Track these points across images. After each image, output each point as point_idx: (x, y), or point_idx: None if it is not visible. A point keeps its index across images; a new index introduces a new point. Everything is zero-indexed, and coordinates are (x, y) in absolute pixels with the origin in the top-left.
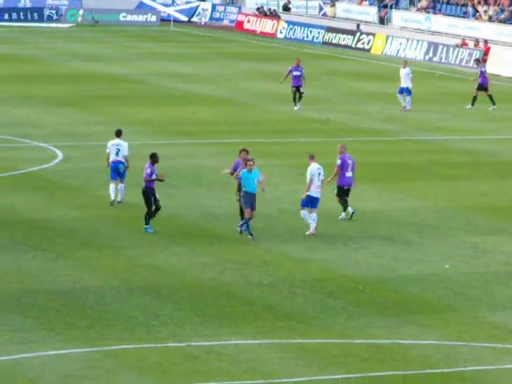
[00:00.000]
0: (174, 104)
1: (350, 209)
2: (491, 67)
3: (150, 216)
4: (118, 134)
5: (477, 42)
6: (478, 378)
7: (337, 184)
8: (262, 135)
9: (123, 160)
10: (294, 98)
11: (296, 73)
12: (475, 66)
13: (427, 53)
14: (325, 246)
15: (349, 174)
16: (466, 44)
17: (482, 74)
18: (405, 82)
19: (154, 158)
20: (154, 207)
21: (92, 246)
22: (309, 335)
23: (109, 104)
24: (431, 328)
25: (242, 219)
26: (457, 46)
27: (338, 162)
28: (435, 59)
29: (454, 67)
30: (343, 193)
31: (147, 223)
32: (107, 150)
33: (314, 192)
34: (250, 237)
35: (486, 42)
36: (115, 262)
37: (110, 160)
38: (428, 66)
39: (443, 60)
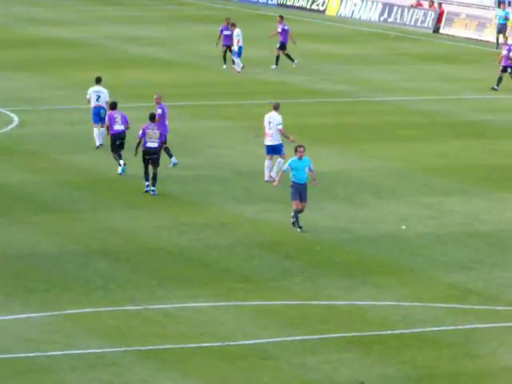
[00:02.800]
0: (129, 67)
1: (173, 159)
2: (446, 28)
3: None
4: (98, 80)
5: (431, 2)
6: (436, 339)
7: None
8: (218, 97)
9: (104, 105)
10: (224, 57)
11: (226, 32)
12: (278, 22)
13: (382, 14)
14: (281, 208)
15: (167, 121)
16: (420, 5)
17: (284, 32)
18: (236, 44)
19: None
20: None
21: (49, 210)
22: (266, 297)
23: (65, 68)
24: (388, 289)
25: (145, 180)
26: (411, 6)
27: (159, 111)
28: (390, 20)
29: (409, 28)
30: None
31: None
32: (87, 97)
33: (265, 140)
34: (298, 230)
35: (440, 3)
36: (73, 226)
37: (92, 106)
38: (383, 27)
39: (398, 21)
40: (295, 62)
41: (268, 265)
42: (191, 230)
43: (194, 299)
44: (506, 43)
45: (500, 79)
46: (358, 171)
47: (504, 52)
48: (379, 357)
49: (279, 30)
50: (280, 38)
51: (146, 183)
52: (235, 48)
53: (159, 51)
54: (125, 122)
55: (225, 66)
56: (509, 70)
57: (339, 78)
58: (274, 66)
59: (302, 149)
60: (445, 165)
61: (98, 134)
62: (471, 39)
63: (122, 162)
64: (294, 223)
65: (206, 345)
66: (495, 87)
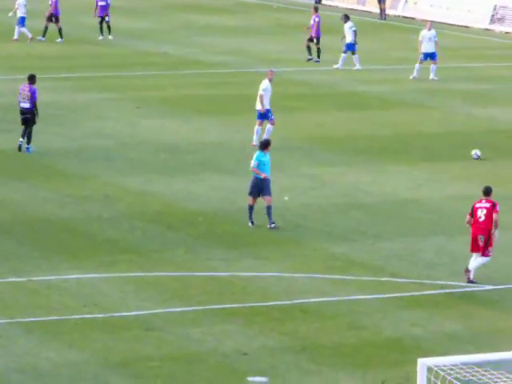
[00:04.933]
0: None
1: None
2: None
3: None
4: None
5: None
6: (318, 310)
7: None
8: (100, 69)
9: None
10: (101, 28)
11: (101, 3)
12: None
13: None
14: (164, 179)
15: None
16: None
17: (96, 3)
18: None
19: None
20: None
21: None
22: (149, 268)
23: None
24: (271, 260)
25: (21, 136)
26: None
27: None
28: None
29: None
30: None
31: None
32: None
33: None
34: (250, 225)
35: None
36: None
37: None
38: None
39: None
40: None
41: (151, 236)
42: (74, 202)
43: (78, 271)
44: (315, 13)
45: (317, 50)
46: (240, 142)
47: (311, 22)
48: (262, 328)
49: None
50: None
51: (20, 139)
52: (17, 16)
53: (41, 23)
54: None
55: (101, 37)
56: (315, 40)
57: (222, 49)
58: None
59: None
60: (327, 136)
61: None
62: (353, 9)
63: None
64: (250, 217)
65: (89, 316)
66: (315, 59)
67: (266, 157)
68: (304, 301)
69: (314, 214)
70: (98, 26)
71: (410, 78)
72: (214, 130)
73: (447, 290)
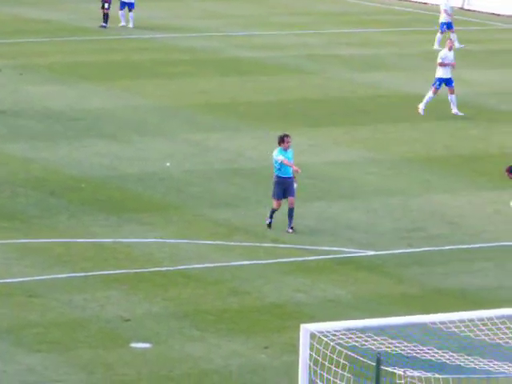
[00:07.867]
0: None
1: None
2: None
3: None
4: None
5: None
6: (202, 276)
7: None
8: None
9: None
10: None
11: None
12: None
13: None
14: (48, 146)
15: None
16: None
17: None
18: None
19: None
20: None
21: None
22: (32, 235)
23: None
24: (154, 226)
25: None
26: None
27: None
28: None
29: None
30: None
31: None
32: None
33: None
34: (267, 222)
35: None
36: None
37: None
38: None
39: None
40: None
41: (33, 203)
42: None
43: None
44: None
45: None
46: (122, 108)
47: None
48: (145, 294)
49: None
50: None
51: None
52: None
53: None
54: None
55: None
56: (106, 5)
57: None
58: None
59: (289, 139)
60: (208, 101)
61: None
62: None
63: None
64: (269, 224)
65: None
66: (103, 24)
67: (287, 154)
68: (187, 267)
69: (197, 180)
70: None
71: (434, 47)
72: (98, 96)
73: (330, 256)
